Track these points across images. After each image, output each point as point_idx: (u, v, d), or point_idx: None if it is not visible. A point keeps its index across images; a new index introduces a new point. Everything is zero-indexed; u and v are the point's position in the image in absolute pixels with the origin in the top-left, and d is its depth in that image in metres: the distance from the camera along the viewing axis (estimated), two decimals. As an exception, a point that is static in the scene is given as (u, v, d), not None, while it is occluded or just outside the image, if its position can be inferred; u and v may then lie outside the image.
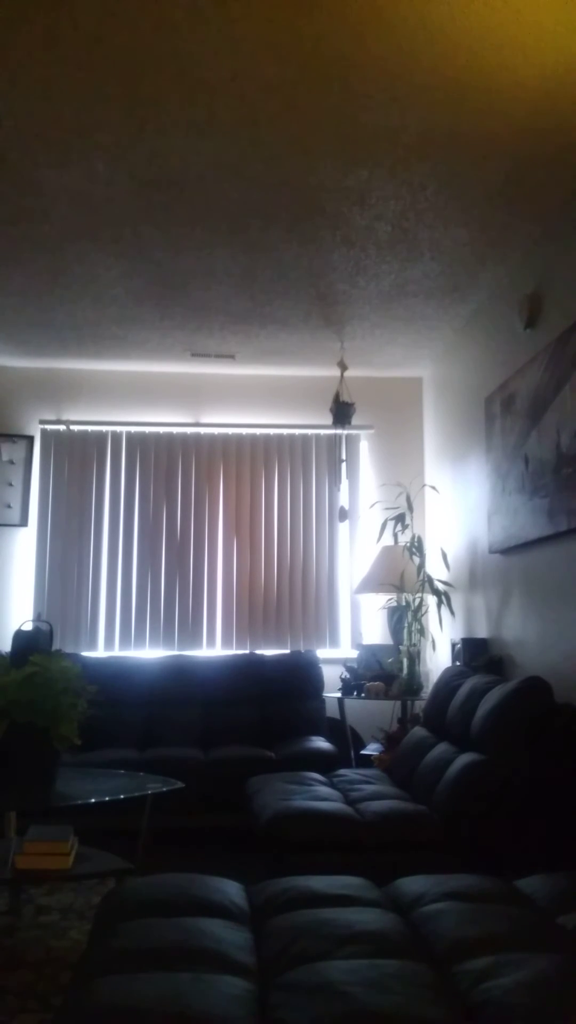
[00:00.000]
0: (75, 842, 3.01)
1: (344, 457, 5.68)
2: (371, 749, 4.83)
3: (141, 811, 3.26)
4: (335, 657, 5.48)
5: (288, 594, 5.57)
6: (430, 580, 4.98)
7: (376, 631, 5.56)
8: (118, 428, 5.60)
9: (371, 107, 2.80)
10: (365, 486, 5.74)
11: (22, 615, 5.42)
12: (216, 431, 5.64)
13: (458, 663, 4.41)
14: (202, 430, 5.64)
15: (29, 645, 3.31)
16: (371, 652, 5.16)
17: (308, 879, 2.29)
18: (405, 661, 4.91)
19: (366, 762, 4.68)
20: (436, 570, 5.14)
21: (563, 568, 3.48)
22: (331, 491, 5.67)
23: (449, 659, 4.86)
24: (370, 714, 5.25)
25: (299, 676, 5.07)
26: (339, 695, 4.93)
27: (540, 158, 3.11)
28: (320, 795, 3.43)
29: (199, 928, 1.90)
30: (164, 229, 3.68)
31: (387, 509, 5.52)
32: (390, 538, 5.34)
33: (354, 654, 5.37)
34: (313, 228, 3.67)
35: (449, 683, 3.92)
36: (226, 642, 5.50)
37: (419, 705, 4.89)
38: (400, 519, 5.23)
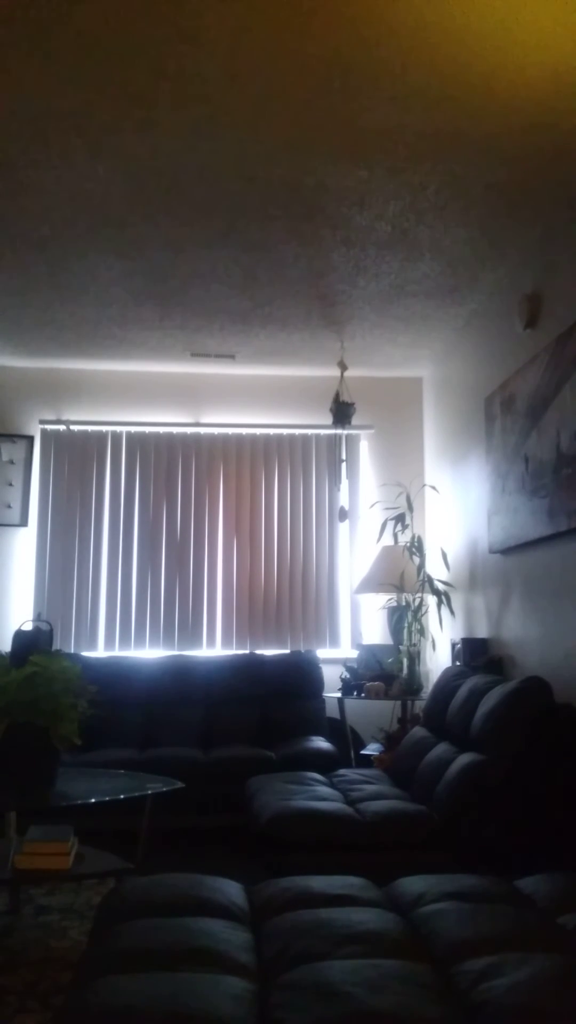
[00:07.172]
0: (75, 842, 3.01)
1: (344, 457, 5.68)
2: (371, 749, 4.83)
3: (141, 811, 3.25)
4: (335, 657, 5.48)
5: (288, 594, 5.57)
6: (430, 580, 4.98)
7: (376, 631, 5.56)
8: (118, 428, 5.60)
9: (371, 107, 2.80)
10: (365, 486, 5.74)
11: (22, 615, 5.42)
12: (216, 431, 5.64)
13: (458, 663, 4.41)
14: (202, 430, 5.64)
15: (29, 645, 3.31)
16: (371, 652, 5.15)
17: (308, 879, 2.29)
18: (405, 661, 4.91)
19: (366, 762, 4.68)
20: (436, 570, 5.14)
21: (563, 568, 3.48)
22: (331, 491, 5.67)
23: (449, 659, 4.86)
24: (370, 714, 5.25)
25: (299, 676, 5.07)
26: (339, 695, 4.93)
27: (540, 158, 3.11)
28: (320, 795, 3.43)
29: (199, 928, 1.90)
30: (164, 229, 3.68)
31: (387, 509, 5.52)
32: (390, 538, 5.34)
33: (354, 654, 5.36)
34: (313, 228, 3.67)
35: (449, 683, 3.92)
36: (226, 642, 5.50)
37: (419, 705, 4.88)
38: (400, 519, 5.23)
